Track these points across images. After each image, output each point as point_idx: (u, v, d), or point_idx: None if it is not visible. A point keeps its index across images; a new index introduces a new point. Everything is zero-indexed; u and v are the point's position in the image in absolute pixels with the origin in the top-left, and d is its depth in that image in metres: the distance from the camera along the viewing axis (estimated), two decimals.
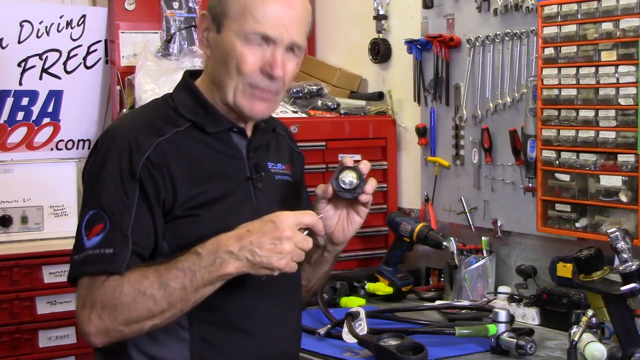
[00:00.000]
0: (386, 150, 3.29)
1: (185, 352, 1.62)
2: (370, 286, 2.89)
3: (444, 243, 2.74)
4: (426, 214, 3.16)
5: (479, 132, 2.97)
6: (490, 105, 2.93)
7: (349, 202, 1.70)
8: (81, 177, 1.71)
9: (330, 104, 3.27)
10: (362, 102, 3.38)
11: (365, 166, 1.68)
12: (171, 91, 1.79)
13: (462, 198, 3.04)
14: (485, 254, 2.89)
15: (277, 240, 1.52)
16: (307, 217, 1.58)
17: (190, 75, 1.78)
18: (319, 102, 3.25)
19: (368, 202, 1.71)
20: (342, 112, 3.29)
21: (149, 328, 1.56)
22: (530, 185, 2.75)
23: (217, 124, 1.71)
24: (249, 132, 1.76)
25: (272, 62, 1.63)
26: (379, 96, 3.39)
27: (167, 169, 1.62)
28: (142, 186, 1.60)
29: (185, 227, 1.62)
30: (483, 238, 2.92)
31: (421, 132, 3.18)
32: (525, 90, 2.78)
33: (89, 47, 3.44)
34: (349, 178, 1.66)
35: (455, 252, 2.75)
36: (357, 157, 3.10)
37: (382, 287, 2.89)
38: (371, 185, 1.68)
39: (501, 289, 2.80)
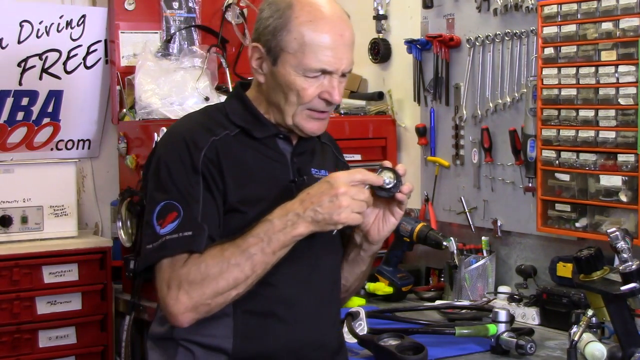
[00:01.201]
0: (386, 150, 3.30)
1: (228, 338, 1.72)
2: (370, 286, 2.90)
3: (444, 243, 2.75)
4: (426, 214, 3.17)
5: (479, 132, 2.98)
6: (490, 105, 2.93)
7: (386, 202, 1.79)
8: (142, 180, 1.87)
9: None
10: (362, 102, 3.39)
11: (401, 168, 1.78)
12: (210, 101, 1.99)
13: (462, 198, 3.05)
14: (485, 254, 2.90)
15: (334, 197, 1.65)
16: (357, 174, 1.69)
17: (242, 86, 1.90)
18: None
19: (403, 204, 1.80)
20: (342, 112, 3.31)
21: (233, 297, 1.68)
22: (530, 185, 2.76)
23: (264, 130, 1.82)
24: (294, 139, 1.86)
25: (331, 91, 1.75)
26: (379, 96, 3.39)
27: (219, 166, 1.74)
28: (204, 179, 1.72)
29: (232, 222, 1.73)
30: (483, 238, 2.93)
31: (421, 132, 3.19)
32: (525, 90, 2.78)
33: (88, 47, 3.44)
34: (387, 177, 1.73)
35: (455, 252, 2.75)
36: (357, 157, 3.12)
37: (382, 287, 2.90)
38: (407, 187, 1.77)
39: (501, 288, 2.80)
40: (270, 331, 1.74)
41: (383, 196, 1.75)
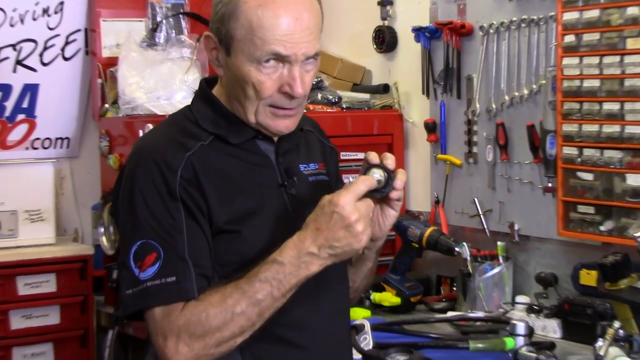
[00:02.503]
0: (392, 147, 3.31)
1: None
2: (375, 296, 2.90)
3: (456, 249, 2.75)
4: (436, 217, 3.18)
5: (494, 127, 2.98)
6: (506, 98, 2.94)
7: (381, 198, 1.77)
8: (113, 210, 1.75)
9: (331, 97, 3.28)
10: (366, 96, 3.39)
11: (391, 161, 1.73)
12: (187, 101, 1.84)
13: (476, 200, 3.06)
14: (501, 261, 2.90)
15: (349, 227, 1.61)
16: (360, 186, 1.65)
17: (207, 83, 1.83)
18: (319, 96, 3.26)
19: (400, 197, 1.77)
20: (344, 106, 3.31)
21: (239, 343, 1.65)
22: (549, 185, 2.76)
23: (240, 133, 1.76)
24: (275, 137, 1.81)
25: (291, 82, 1.68)
26: (384, 89, 3.40)
27: (199, 186, 1.68)
28: (185, 204, 1.66)
29: (223, 245, 1.69)
30: (499, 243, 2.94)
31: (430, 127, 3.20)
32: (544, 82, 2.78)
33: (67, 37, 3.46)
34: (377, 176, 1.70)
35: (468, 258, 2.75)
36: (361, 155, 3.08)
37: (388, 297, 2.91)
38: (400, 179, 1.73)
39: (519, 298, 2.80)
40: (283, 358, 1.73)
41: (376, 197, 1.73)
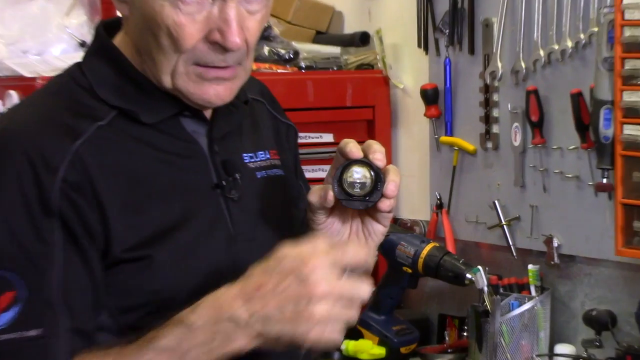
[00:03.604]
0: (374, 126, 3.30)
1: None
2: (349, 346, 2.90)
3: (468, 275, 2.75)
4: (438, 229, 3.19)
5: (523, 96, 2.98)
6: (541, 53, 2.94)
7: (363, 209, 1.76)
8: None
9: (283, 52, 3.28)
10: (335, 50, 3.39)
11: (380, 155, 1.70)
12: (77, 58, 1.80)
13: (497, 203, 3.07)
14: (533, 293, 2.90)
15: (306, 300, 1.53)
16: (350, 252, 1.58)
17: (106, 29, 1.80)
18: (265, 50, 3.26)
19: (392, 208, 1.75)
20: (302, 65, 3.32)
21: None
22: (604, 181, 2.77)
23: (156, 107, 1.74)
24: (208, 113, 1.80)
25: (223, 27, 1.66)
26: (362, 39, 3.39)
27: (92, 190, 1.65)
28: (65, 223, 1.63)
29: (129, 278, 1.66)
30: (530, 267, 2.95)
31: (430, 97, 3.19)
32: (596, 29, 2.78)
33: None
34: (358, 178, 1.68)
35: (485, 289, 2.75)
36: (328, 137, 3.15)
37: (368, 348, 2.90)
38: (393, 183, 1.70)
39: (560, 348, 2.81)
40: None
41: (358, 208, 1.72)
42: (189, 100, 1.72)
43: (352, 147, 1.69)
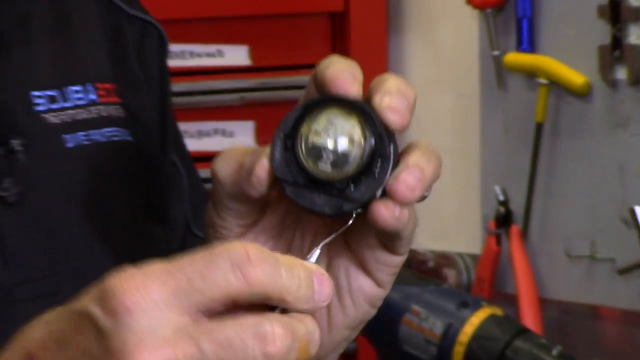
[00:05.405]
0: (348, 28, 2.72)
1: None
2: None
3: None
4: (501, 275, 2.55)
5: None
6: None
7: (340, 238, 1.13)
8: None
9: None
10: None
11: (398, 101, 1.00)
12: None
13: (638, 210, 2.44)
14: None
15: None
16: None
17: None
18: None
19: (403, 223, 1.08)
20: None
21: None
22: None
23: None
24: None
25: None
26: None
27: None
28: None
29: None
30: None
31: None
32: None
33: None
34: (333, 138, 1.01)
35: None
36: (240, 51, 2.67)
37: None
38: (417, 170, 1.04)
39: None
40: None
41: (320, 211, 1.02)
42: None
43: (342, 72, 0.99)
